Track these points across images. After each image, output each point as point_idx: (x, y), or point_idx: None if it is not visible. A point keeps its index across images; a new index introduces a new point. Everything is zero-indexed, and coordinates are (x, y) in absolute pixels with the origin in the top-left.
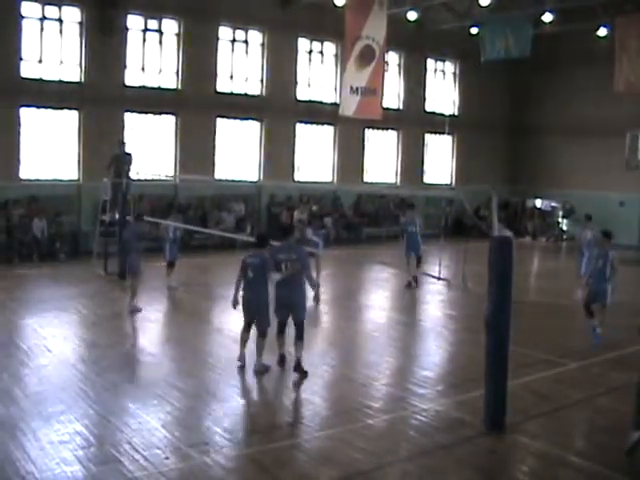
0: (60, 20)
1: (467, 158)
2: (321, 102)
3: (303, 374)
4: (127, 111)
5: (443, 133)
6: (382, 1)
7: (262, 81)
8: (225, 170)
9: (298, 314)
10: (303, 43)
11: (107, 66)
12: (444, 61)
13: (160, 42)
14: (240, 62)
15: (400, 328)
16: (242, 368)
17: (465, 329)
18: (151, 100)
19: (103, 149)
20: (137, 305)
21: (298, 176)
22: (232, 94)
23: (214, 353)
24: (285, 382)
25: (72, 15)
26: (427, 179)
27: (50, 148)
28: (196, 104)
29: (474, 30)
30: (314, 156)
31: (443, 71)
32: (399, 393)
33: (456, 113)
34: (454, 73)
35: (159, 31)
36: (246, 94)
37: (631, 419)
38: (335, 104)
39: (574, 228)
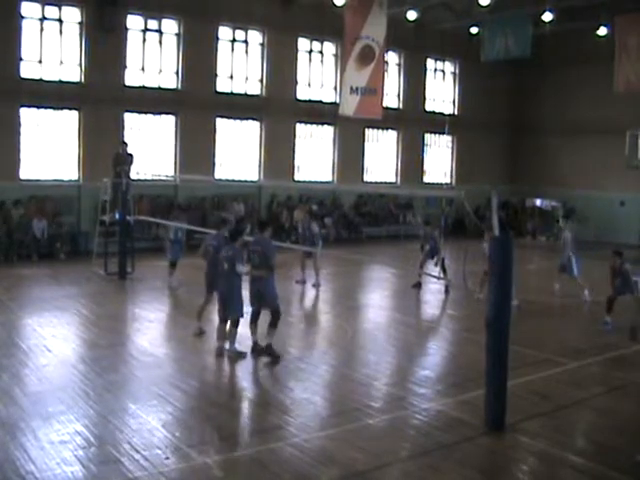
0: (60, 20)
1: (467, 158)
2: (321, 102)
3: (275, 358)
4: (127, 111)
5: (443, 133)
6: (382, 1)
7: (262, 81)
8: (225, 170)
9: (268, 303)
10: (303, 43)
11: (107, 66)
12: (444, 61)
13: (160, 42)
14: (240, 62)
15: (400, 328)
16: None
17: (465, 329)
18: (151, 100)
19: (103, 149)
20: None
21: (298, 176)
22: (232, 94)
23: (214, 353)
24: (285, 382)
25: (72, 15)
26: (427, 179)
27: (50, 148)
28: (196, 104)
29: (474, 30)
30: (314, 156)
31: (443, 71)
32: (399, 393)
33: (456, 113)
34: (454, 73)
35: (159, 31)
36: (246, 94)
37: None
38: (335, 104)
39: (570, 227)
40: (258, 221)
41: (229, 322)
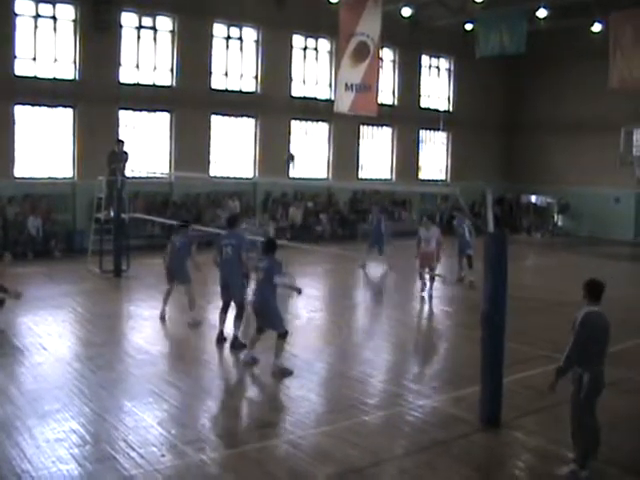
0: (54, 18)
1: (462, 154)
2: (316, 99)
3: (241, 347)
4: (122, 108)
5: (438, 129)
6: None
7: (257, 78)
8: (220, 167)
9: (234, 295)
10: (297, 40)
11: (101, 63)
12: (439, 57)
13: (154, 39)
14: (235, 59)
15: (395, 325)
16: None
17: (461, 325)
18: (146, 97)
19: (98, 147)
20: (197, 317)
21: (293, 173)
22: (227, 91)
23: (210, 350)
24: (281, 379)
25: (66, 13)
26: (422, 175)
27: (45, 146)
28: (191, 101)
29: (469, 26)
30: (309, 153)
31: (438, 67)
32: (395, 390)
33: (451, 109)
34: (449, 69)
35: (153, 28)
36: (241, 91)
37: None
38: (330, 101)
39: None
40: (229, 218)
41: (276, 335)
